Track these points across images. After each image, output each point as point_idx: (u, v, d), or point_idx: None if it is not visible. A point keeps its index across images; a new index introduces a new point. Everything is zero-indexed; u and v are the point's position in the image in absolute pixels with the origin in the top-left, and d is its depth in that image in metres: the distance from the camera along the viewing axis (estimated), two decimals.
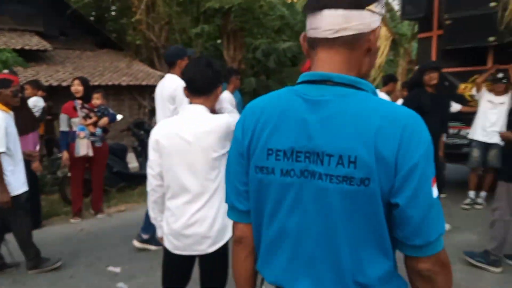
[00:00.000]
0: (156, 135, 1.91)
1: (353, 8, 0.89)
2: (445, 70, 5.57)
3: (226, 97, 5.07)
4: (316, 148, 0.88)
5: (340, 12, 0.88)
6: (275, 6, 13.70)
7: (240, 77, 11.34)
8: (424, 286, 0.92)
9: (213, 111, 2.01)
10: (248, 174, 1.01)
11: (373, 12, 0.91)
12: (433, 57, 5.78)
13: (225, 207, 1.84)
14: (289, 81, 13.46)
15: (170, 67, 3.50)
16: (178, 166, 1.86)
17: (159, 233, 2.08)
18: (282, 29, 12.73)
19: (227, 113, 2.08)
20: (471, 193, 5.20)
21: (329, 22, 0.90)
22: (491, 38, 4.81)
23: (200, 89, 1.90)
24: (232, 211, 1.09)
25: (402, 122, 0.84)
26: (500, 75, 4.86)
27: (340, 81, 0.91)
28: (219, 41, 13.47)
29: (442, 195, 5.51)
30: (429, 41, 5.87)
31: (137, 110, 12.69)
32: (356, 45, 0.92)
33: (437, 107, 4.11)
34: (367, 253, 0.89)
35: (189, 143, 1.82)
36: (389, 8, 16.54)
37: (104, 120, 4.84)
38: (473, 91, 5.16)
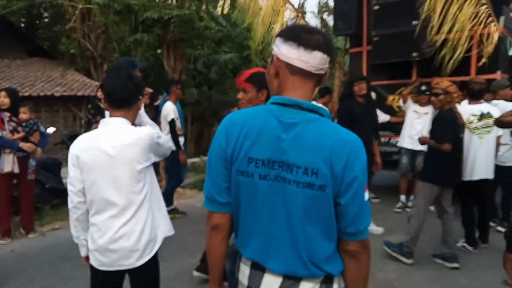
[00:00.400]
0: (75, 151, 1.84)
1: (329, 55, 1.20)
2: (374, 83, 5.94)
3: (169, 107, 5.07)
4: (288, 161, 1.16)
5: (324, 56, 1.18)
6: (215, 18, 13.77)
7: (181, 87, 11.14)
8: (352, 262, 1.25)
9: (133, 124, 1.98)
10: (231, 175, 1.24)
11: (328, 58, 1.21)
12: (364, 71, 6.15)
13: (152, 219, 1.93)
14: (231, 92, 13.51)
15: None
16: (101, 181, 1.81)
17: (82, 253, 1.99)
18: (223, 40, 12.78)
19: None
20: (402, 197, 5.55)
21: (316, 61, 1.17)
22: (415, 54, 5.20)
23: (121, 102, 1.87)
24: (212, 203, 1.30)
25: (349, 144, 1.15)
26: (423, 87, 5.27)
27: (306, 107, 1.18)
28: (160, 51, 13.24)
29: (376, 200, 5.84)
30: (360, 55, 6.25)
31: (72, 122, 12.08)
32: (319, 82, 1.24)
33: (367, 116, 4.35)
34: (318, 239, 1.19)
35: (112, 157, 1.79)
36: (324, 23, 17.42)
37: (35, 136, 4.54)
38: (400, 103, 5.55)
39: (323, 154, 1.13)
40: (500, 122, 3.04)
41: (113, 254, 1.84)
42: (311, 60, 1.17)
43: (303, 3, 17.81)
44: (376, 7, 5.47)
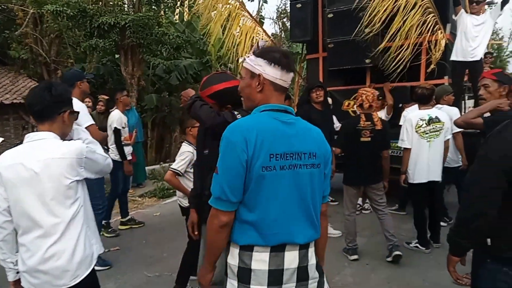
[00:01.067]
0: None
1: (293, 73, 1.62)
2: (330, 88, 6.04)
3: (114, 116, 4.91)
4: (297, 150, 1.50)
5: (291, 75, 1.59)
6: (174, 24, 13.57)
7: (139, 93, 10.80)
8: (324, 220, 1.69)
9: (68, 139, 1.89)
10: (250, 173, 1.45)
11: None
12: (320, 76, 6.26)
13: (86, 236, 1.87)
14: None
15: None
16: (26, 199, 1.71)
17: (10, 277, 1.85)
18: (182, 46, 12.58)
19: (87, 143, 1.94)
20: (359, 200, 5.65)
21: (290, 80, 1.59)
22: (367, 60, 5.36)
23: (38, 114, 1.78)
24: (223, 203, 1.47)
25: (321, 132, 1.65)
26: (376, 93, 5.41)
27: (290, 111, 1.57)
28: (118, 56, 12.86)
29: (334, 203, 5.90)
30: (316, 61, 6.37)
31: (23, 131, 11.45)
32: (285, 92, 1.63)
33: (325, 122, 4.43)
34: (319, 203, 1.62)
35: (36, 173, 1.70)
36: (285, 28, 17.61)
37: None
38: (355, 107, 5.65)
39: (315, 141, 1.57)
40: (465, 123, 3.09)
41: (44, 275, 1.73)
42: (288, 79, 1.57)
43: (260, 7, 17.84)
44: (330, 15, 5.58)
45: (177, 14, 11.39)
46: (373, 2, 4.73)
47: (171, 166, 3.44)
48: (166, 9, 13.43)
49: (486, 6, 7.10)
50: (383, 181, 4.07)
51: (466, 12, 5.24)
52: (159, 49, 11.95)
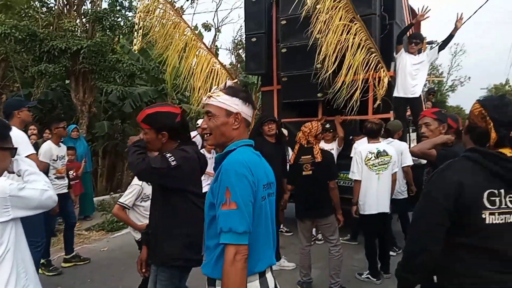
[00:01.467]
0: None
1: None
2: (285, 120, 6.21)
3: (42, 148, 4.65)
4: (269, 180, 1.68)
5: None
6: (128, 51, 13.40)
7: (90, 120, 10.41)
8: None
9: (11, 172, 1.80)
10: (255, 200, 1.56)
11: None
12: (275, 108, 6.40)
13: (17, 282, 1.73)
14: None
15: (7, 119, 3.42)
16: None
17: None
18: (137, 74, 12.40)
19: (27, 175, 1.86)
20: (313, 231, 5.70)
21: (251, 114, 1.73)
22: (319, 94, 5.55)
23: None
24: (246, 236, 1.49)
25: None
26: (327, 125, 5.62)
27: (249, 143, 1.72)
28: (68, 81, 12.42)
29: (289, 234, 5.92)
30: (271, 94, 6.52)
31: None
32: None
33: (277, 155, 4.45)
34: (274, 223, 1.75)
35: None
36: (240, 59, 17.94)
37: None
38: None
39: (270, 171, 1.72)
40: (421, 152, 3.10)
41: None
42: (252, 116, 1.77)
43: (214, 37, 18.11)
44: (284, 50, 5.76)
45: (133, 42, 11.28)
46: (323, 40, 4.94)
47: (118, 200, 3.35)
48: (121, 36, 13.25)
49: (427, 45, 7.66)
50: (335, 215, 4.01)
51: (406, 51, 5.63)
52: (113, 76, 11.71)
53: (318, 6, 4.89)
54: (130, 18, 12.83)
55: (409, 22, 6.02)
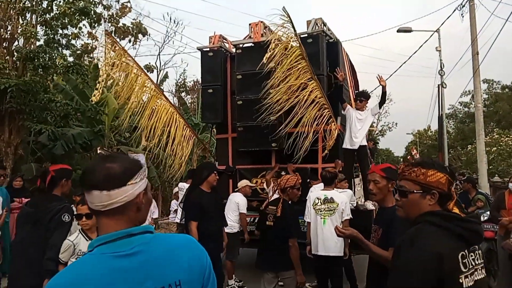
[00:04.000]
0: None
1: (115, 188, 1.22)
2: (239, 166, 6.82)
3: None
4: None
5: (104, 193, 1.22)
6: (62, 89, 13.30)
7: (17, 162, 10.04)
8: None
9: None
10: None
11: (134, 183, 1.26)
12: (230, 154, 7.00)
13: None
14: (79, 169, 12.75)
15: None
16: None
17: None
18: (72, 114, 12.26)
19: None
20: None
21: (97, 200, 1.22)
22: (274, 144, 6.25)
23: None
24: None
25: (193, 245, 1.34)
26: (282, 173, 6.28)
27: (137, 231, 1.24)
28: None
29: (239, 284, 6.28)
30: (226, 141, 7.12)
31: None
32: (126, 210, 1.25)
33: (217, 204, 4.59)
34: None
35: None
36: (182, 102, 18.48)
37: None
38: (264, 185, 6.42)
39: (178, 264, 1.24)
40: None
41: None
42: (93, 199, 1.27)
43: (157, 80, 18.58)
44: (240, 102, 6.45)
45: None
46: (278, 96, 5.72)
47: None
48: (56, 74, 13.12)
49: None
50: (294, 272, 3.98)
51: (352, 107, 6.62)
52: (44, 116, 11.44)
53: (272, 65, 5.71)
54: (66, 57, 12.90)
55: (350, 78, 7.11)
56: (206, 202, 4.33)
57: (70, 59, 13.07)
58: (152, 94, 6.19)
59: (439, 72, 18.38)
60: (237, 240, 6.04)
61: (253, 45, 6.55)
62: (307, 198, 5.77)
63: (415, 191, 1.82)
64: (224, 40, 7.13)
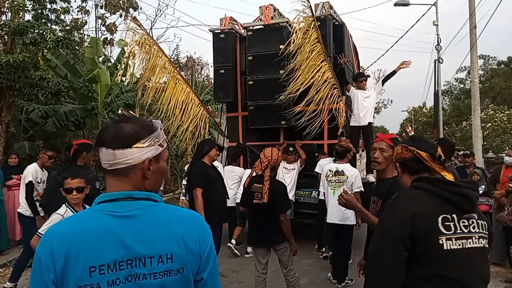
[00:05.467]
0: None
1: (120, 148, 1.26)
2: (249, 143, 7.67)
3: (29, 169, 5.40)
4: (137, 255, 1.20)
5: (110, 151, 1.27)
6: (55, 66, 13.80)
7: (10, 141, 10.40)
8: None
9: None
10: None
11: (141, 147, 1.28)
12: (240, 132, 7.82)
13: None
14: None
15: None
16: None
17: None
18: (64, 91, 12.71)
19: None
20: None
21: (104, 158, 1.28)
22: (283, 122, 7.05)
23: None
24: None
25: (195, 221, 1.35)
26: (290, 148, 7.21)
27: (139, 196, 1.28)
28: None
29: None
30: (236, 119, 7.93)
31: None
32: (130, 173, 1.29)
33: (219, 176, 5.15)
34: None
35: None
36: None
37: None
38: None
39: (173, 237, 1.26)
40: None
41: None
42: (102, 157, 1.34)
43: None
44: (251, 82, 7.20)
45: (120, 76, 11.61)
46: (298, 76, 6.47)
47: (38, 230, 3.41)
48: (48, 50, 13.49)
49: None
50: (288, 244, 4.27)
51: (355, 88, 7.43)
52: (35, 93, 11.76)
53: (292, 48, 6.43)
54: (56, 32, 13.29)
55: (354, 60, 8.04)
56: (210, 172, 4.86)
57: (60, 35, 13.51)
58: (171, 75, 7.00)
59: (436, 47, 19.44)
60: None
61: (263, 27, 7.30)
62: (316, 171, 6.79)
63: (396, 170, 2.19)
64: (234, 22, 7.78)
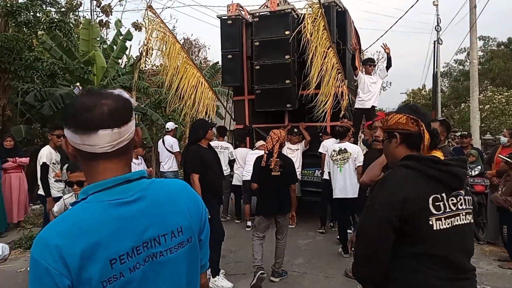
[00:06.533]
0: None
1: (124, 124, 1.24)
2: (255, 125, 8.40)
3: (43, 151, 5.86)
4: (151, 236, 1.25)
5: (116, 130, 1.22)
6: (50, 48, 14.29)
7: (4, 125, 10.86)
8: None
9: None
10: None
11: (133, 118, 1.30)
12: (246, 115, 8.53)
13: None
14: None
15: None
16: None
17: None
18: (59, 73, 13.11)
19: None
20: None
21: (106, 140, 1.21)
22: (288, 105, 7.74)
23: None
24: None
25: (188, 189, 1.46)
26: (295, 130, 7.92)
27: (135, 177, 1.29)
28: None
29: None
30: (243, 102, 8.63)
31: None
32: (128, 149, 1.31)
33: (216, 158, 5.27)
34: (195, 281, 1.43)
35: None
36: None
37: None
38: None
39: (180, 211, 1.36)
40: (371, 181, 3.26)
41: None
42: (99, 141, 1.26)
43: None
44: (257, 67, 7.85)
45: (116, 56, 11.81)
46: (309, 60, 7.19)
47: (52, 209, 3.69)
48: (44, 31, 13.91)
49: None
50: (290, 212, 5.18)
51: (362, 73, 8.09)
52: (30, 75, 12.10)
53: (304, 35, 7.17)
54: (49, 13, 13.70)
55: (355, 45, 8.82)
56: (206, 155, 4.97)
57: (54, 16, 13.89)
58: (183, 61, 7.74)
59: (435, 28, 20.21)
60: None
61: (269, 13, 7.95)
62: (319, 151, 7.52)
63: (383, 139, 2.09)
64: (240, 8, 8.43)
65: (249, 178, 7.26)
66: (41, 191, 6.08)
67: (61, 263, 1.12)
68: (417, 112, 1.99)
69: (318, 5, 7.07)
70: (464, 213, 1.87)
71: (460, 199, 1.87)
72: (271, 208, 5.12)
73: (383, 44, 8.05)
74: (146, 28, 7.47)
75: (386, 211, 1.77)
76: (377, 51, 35.56)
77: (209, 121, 6.58)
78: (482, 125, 19.34)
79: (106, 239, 1.17)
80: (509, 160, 5.95)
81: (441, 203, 1.80)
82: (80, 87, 5.43)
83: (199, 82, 7.95)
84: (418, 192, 1.78)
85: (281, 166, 5.03)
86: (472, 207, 1.94)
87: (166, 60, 7.54)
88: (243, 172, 7.83)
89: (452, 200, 1.83)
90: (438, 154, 1.91)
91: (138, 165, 6.80)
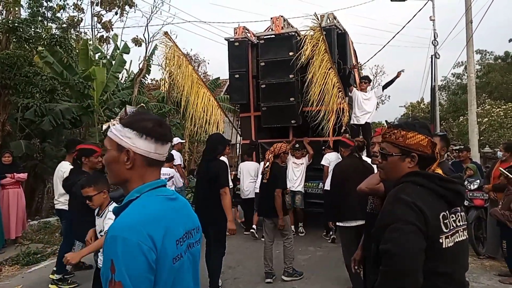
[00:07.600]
0: None
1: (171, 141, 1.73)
2: (261, 140, 9.22)
3: (65, 166, 6.10)
4: (190, 228, 1.65)
5: (169, 144, 1.70)
6: (52, 63, 14.99)
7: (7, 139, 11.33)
8: None
9: None
10: (161, 269, 1.46)
11: None
12: (252, 130, 9.36)
13: None
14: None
15: None
16: None
17: None
18: (58, 89, 13.59)
19: None
20: (291, 227, 8.63)
21: (166, 151, 1.67)
22: (293, 121, 8.57)
23: None
24: None
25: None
26: (297, 145, 8.67)
27: (164, 183, 1.68)
28: None
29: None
30: (249, 119, 9.49)
31: None
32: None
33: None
34: (198, 279, 1.72)
35: None
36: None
37: None
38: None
39: (194, 215, 1.75)
40: (369, 189, 3.39)
41: None
42: (164, 151, 1.66)
43: (146, 53, 20.29)
44: (263, 86, 8.68)
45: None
46: (311, 81, 8.14)
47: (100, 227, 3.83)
48: (42, 48, 14.57)
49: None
50: (278, 218, 5.68)
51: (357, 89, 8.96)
52: (30, 90, 12.66)
53: (304, 58, 8.11)
54: (50, 30, 14.36)
55: (354, 63, 9.88)
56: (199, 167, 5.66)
57: (55, 32, 14.51)
58: (195, 81, 8.77)
59: (432, 42, 21.18)
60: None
61: (274, 36, 8.87)
62: (322, 163, 8.27)
63: (394, 154, 2.03)
64: (247, 31, 9.35)
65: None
66: (60, 206, 6.13)
67: (150, 240, 1.40)
68: (430, 131, 2.09)
69: (319, 30, 7.98)
70: (461, 230, 1.96)
71: (458, 215, 1.95)
72: (261, 209, 6.33)
73: (402, 71, 8.98)
74: (165, 54, 8.37)
75: (415, 219, 1.80)
76: (375, 65, 36.73)
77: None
78: (481, 138, 19.86)
79: (171, 224, 1.52)
80: (509, 175, 6.02)
81: (448, 221, 1.88)
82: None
83: (210, 101, 8.90)
84: (432, 210, 1.84)
85: (269, 174, 5.80)
86: (466, 223, 2.03)
87: (180, 80, 8.47)
88: (256, 184, 8.47)
89: (453, 217, 1.91)
90: (438, 170, 2.03)
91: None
